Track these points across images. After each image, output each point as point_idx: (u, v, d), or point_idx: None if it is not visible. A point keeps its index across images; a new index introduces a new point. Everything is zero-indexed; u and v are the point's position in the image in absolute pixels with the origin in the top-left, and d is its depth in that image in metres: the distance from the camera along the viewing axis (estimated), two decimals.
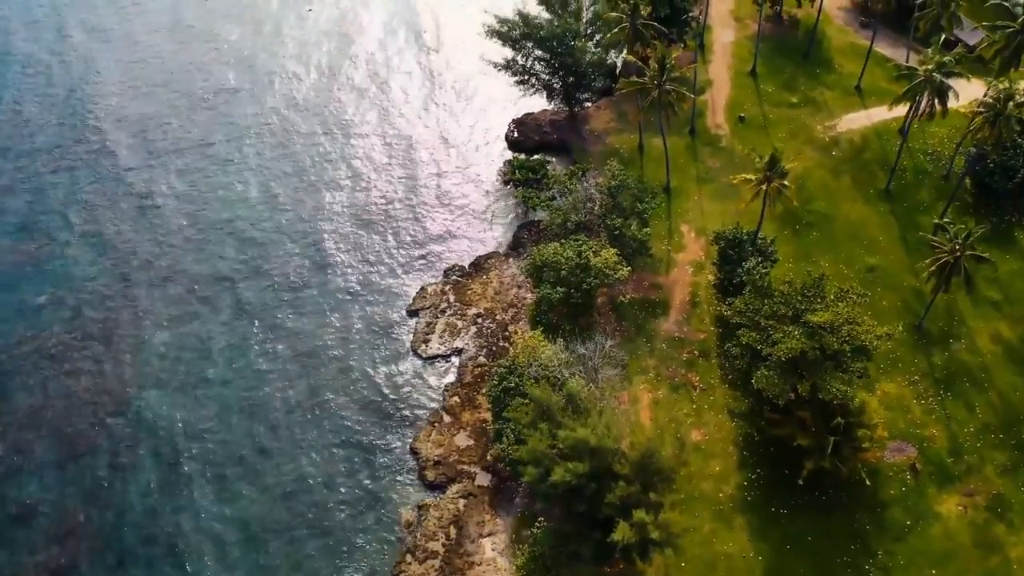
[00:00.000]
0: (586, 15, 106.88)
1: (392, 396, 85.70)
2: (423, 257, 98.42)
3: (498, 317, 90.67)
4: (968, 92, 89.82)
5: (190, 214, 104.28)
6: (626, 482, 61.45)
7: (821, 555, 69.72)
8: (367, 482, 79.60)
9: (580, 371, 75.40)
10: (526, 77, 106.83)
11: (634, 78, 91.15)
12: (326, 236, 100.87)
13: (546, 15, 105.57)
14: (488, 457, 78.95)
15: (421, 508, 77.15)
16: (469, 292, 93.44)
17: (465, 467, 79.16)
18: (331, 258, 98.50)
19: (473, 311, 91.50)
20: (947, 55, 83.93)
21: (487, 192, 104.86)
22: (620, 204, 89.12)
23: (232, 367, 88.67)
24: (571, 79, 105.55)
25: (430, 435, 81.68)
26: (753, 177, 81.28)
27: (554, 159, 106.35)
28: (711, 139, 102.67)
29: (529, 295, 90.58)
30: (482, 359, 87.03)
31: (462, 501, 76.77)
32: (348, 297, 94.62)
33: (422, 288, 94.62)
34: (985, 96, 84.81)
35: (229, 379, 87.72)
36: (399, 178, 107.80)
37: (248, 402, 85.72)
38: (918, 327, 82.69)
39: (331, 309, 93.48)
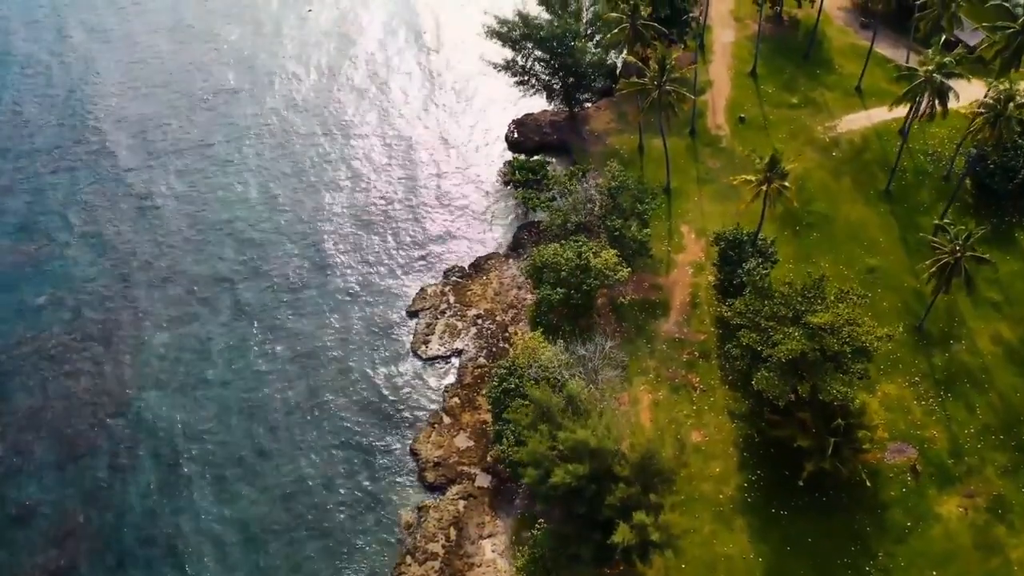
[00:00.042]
0: (586, 15, 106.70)
1: (392, 397, 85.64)
2: (423, 258, 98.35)
3: (498, 318, 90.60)
4: (968, 93, 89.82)
5: (190, 215, 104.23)
6: (626, 484, 61.37)
7: (821, 556, 69.69)
8: (367, 483, 79.55)
9: (580, 372, 75.35)
10: (526, 78, 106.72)
11: (634, 79, 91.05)
12: (326, 237, 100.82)
13: (546, 16, 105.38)
14: (488, 458, 78.90)
15: (421, 509, 77.09)
16: (469, 293, 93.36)
17: (465, 468, 79.09)
18: (331, 259, 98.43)
19: (473, 312, 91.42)
20: (947, 56, 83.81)
21: (487, 193, 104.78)
22: (620, 205, 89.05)
23: (232, 368, 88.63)
24: (571, 80, 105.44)
25: (430, 436, 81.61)
26: (753, 178, 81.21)
27: (554, 160, 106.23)
28: (711, 140, 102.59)
29: (529, 296, 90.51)
30: (482, 360, 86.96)
31: (462, 502, 76.70)
32: (348, 298, 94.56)
33: (422, 289, 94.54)
34: (985, 97, 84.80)
35: (229, 380, 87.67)
36: (399, 179, 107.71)
37: (248, 403, 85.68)
38: (918, 328, 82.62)
39: (331, 310, 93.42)
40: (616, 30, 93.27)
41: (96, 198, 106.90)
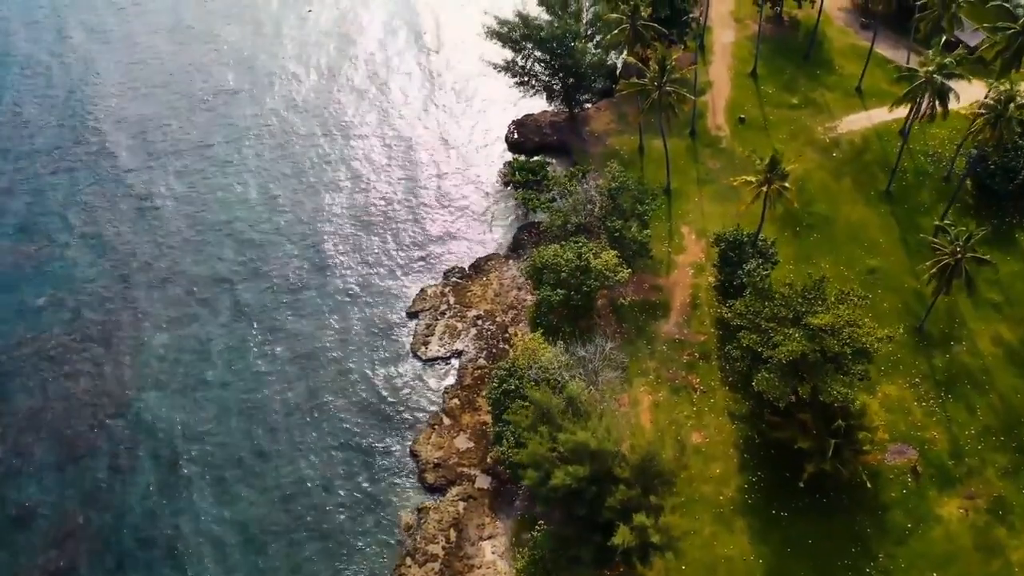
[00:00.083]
0: (586, 16, 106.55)
1: (392, 398, 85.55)
2: (423, 259, 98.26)
3: (498, 319, 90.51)
4: (969, 93, 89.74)
5: (189, 215, 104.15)
6: (626, 486, 61.28)
7: (822, 558, 69.60)
8: (367, 485, 79.46)
9: (580, 373, 75.24)
10: (526, 78, 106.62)
11: (634, 80, 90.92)
12: (325, 238, 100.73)
13: (546, 16, 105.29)
14: (488, 460, 78.81)
15: (421, 511, 76.99)
16: (469, 294, 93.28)
17: (465, 470, 79.00)
18: (331, 260, 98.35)
19: (473, 313, 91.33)
20: (948, 56, 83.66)
21: (487, 194, 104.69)
22: (620, 206, 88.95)
23: (231, 369, 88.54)
24: (571, 80, 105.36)
25: (430, 437, 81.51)
26: (754, 179, 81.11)
27: (554, 160, 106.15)
28: (711, 140, 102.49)
29: (529, 297, 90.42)
30: (482, 361, 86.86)
31: (462, 504, 76.59)
32: (348, 299, 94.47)
33: (422, 290, 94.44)
34: (986, 98, 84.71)
35: (228, 381, 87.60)
36: (398, 179, 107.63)
37: (247, 404, 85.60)
38: (919, 329, 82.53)
39: (331, 311, 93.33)
40: (616, 31, 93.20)
41: (96, 199, 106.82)
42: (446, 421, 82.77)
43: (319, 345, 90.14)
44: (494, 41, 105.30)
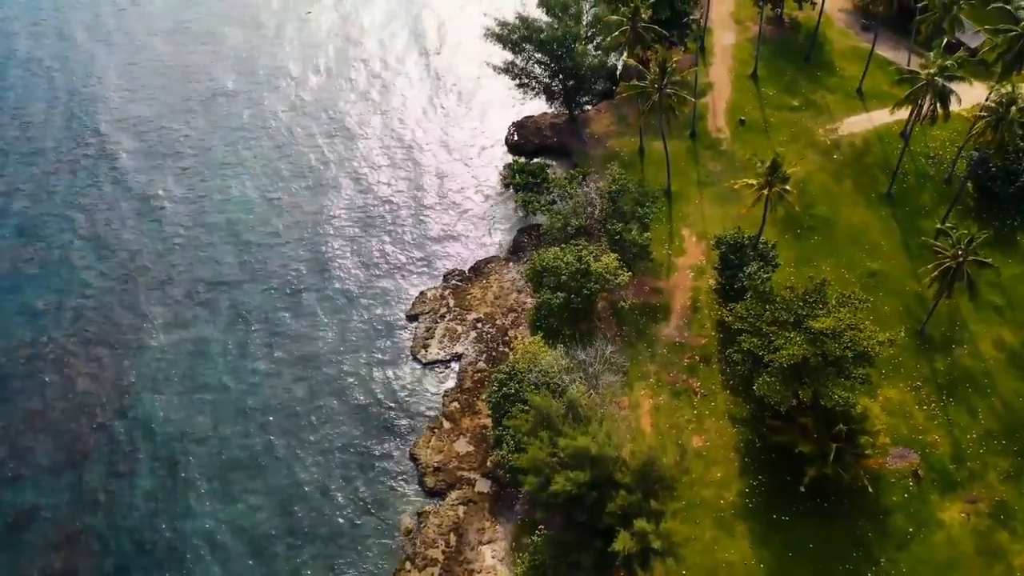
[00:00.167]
0: (586, 18, 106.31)
1: (391, 401, 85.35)
2: (422, 261, 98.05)
3: (498, 322, 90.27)
4: (970, 95, 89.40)
5: (189, 217, 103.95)
6: (627, 491, 61.07)
7: (823, 562, 69.35)
8: (366, 488, 79.25)
9: (580, 377, 75.01)
10: (526, 80, 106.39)
11: (635, 82, 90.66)
12: (325, 240, 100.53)
13: (546, 18, 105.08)
14: (488, 463, 78.56)
15: (421, 515, 76.76)
16: (469, 297, 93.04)
17: (465, 473, 78.76)
18: (330, 262, 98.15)
19: (473, 316, 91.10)
20: (949, 59, 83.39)
21: (487, 196, 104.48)
22: (620, 208, 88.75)
23: (231, 372, 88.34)
24: (571, 82, 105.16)
25: (429, 441, 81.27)
26: (754, 182, 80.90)
27: (554, 162, 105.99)
28: (712, 142, 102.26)
29: (529, 300, 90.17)
30: (482, 364, 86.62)
31: (462, 508, 76.37)
32: (347, 301, 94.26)
33: (422, 293, 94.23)
34: (988, 100, 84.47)
35: (228, 384, 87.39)
36: (398, 181, 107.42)
37: (247, 406, 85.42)
38: (920, 332, 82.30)
39: (330, 313, 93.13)
40: (616, 32, 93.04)
41: (96, 200, 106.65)
42: (446, 424, 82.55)
43: (319, 347, 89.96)
44: (494, 43, 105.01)
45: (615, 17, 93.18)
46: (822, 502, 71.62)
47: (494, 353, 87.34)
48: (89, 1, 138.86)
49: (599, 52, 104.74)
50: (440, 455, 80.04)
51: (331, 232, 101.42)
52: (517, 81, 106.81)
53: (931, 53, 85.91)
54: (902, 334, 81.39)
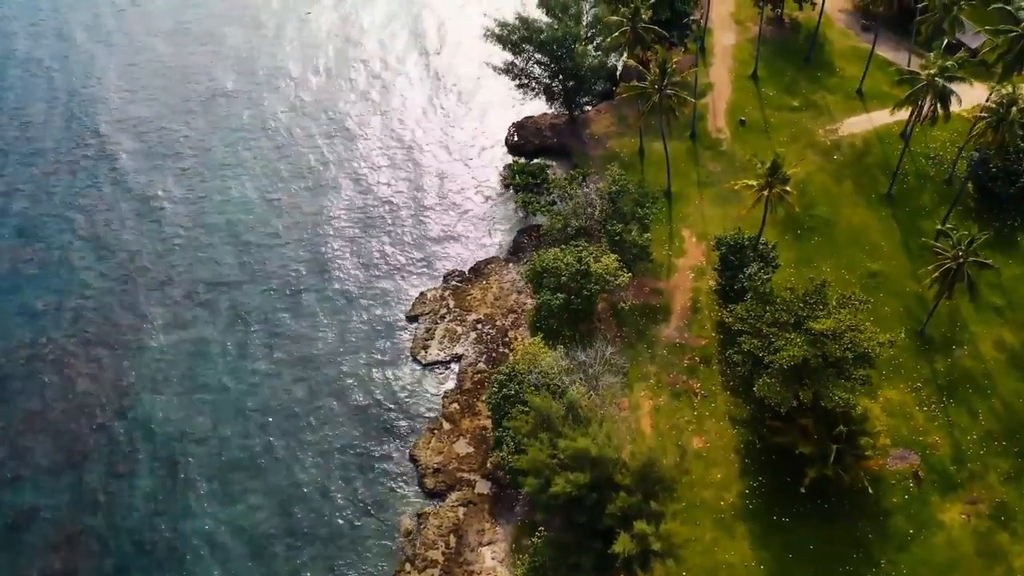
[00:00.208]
0: (586, 19, 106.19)
1: (391, 402, 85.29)
2: (422, 262, 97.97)
3: (498, 323, 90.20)
4: (971, 96, 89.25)
5: (189, 218, 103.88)
6: (627, 492, 61.05)
7: (823, 564, 69.26)
8: (366, 489, 79.19)
9: (580, 378, 74.92)
10: (526, 81, 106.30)
11: (635, 83, 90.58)
12: (325, 240, 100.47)
13: (546, 19, 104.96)
14: (488, 465, 78.49)
15: (420, 516, 76.70)
16: (469, 297, 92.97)
17: (465, 475, 78.69)
18: (330, 263, 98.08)
19: (473, 317, 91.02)
20: (949, 59, 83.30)
21: (487, 197, 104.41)
22: (620, 209, 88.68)
23: (231, 372, 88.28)
24: (571, 83, 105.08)
25: (429, 442, 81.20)
26: (755, 183, 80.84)
27: (554, 163, 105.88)
28: (712, 143, 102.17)
29: (529, 301, 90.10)
30: (482, 365, 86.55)
31: (462, 509, 76.30)
32: (347, 302, 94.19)
33: (422, 293, 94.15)
34: (988, 101, 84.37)
35: (228, 385, 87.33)
36: (398, 182, 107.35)
37: (247, 407, 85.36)
38: (920, 333, 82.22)
39: (330, 314, 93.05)
40: (616, 33, 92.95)
41: (95, 201, 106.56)
42: (446, 426, 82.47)
43: (318, 348, 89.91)
44: (494, 44, 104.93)
45: (615, 18, 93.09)
46: (822, 503, 71.56)
47: (494, 354, 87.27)
48: (89, 1, 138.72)
49: (599, 53, 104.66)
50: (440, 456, 79.97)
51: (331, 233, 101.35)
52: (517, 82, 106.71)
53: (931, 54, 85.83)
54: (902, 335, 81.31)
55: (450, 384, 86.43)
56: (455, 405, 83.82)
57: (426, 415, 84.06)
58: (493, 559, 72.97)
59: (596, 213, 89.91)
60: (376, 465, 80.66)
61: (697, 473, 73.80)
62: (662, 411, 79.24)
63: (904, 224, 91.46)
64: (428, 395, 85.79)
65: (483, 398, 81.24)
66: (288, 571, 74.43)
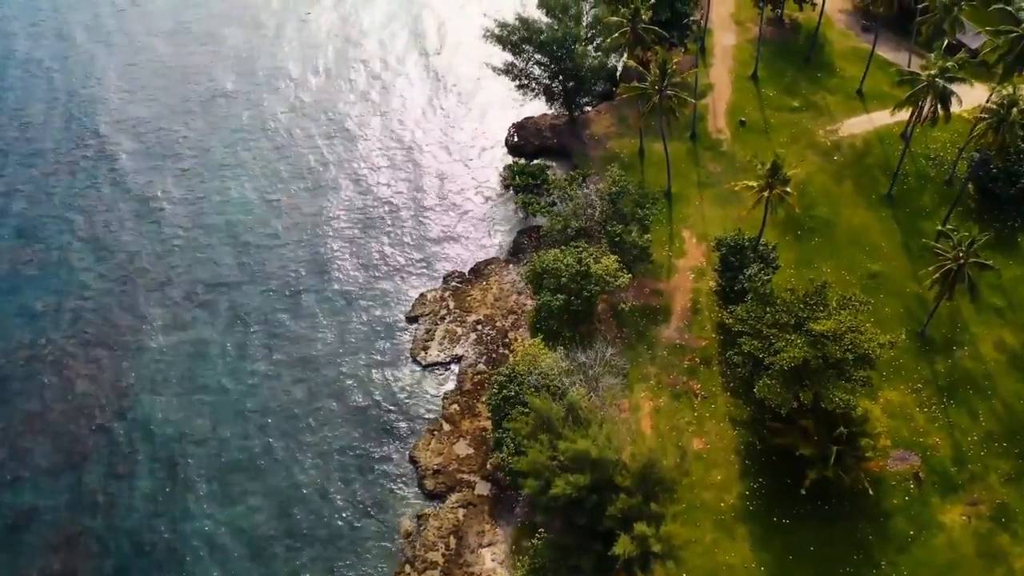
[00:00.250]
0: (586, 19, 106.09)
1: (391, 404, 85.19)
2: (422, 263, 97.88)
3: (498, 324, 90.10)
4: (971, 97, 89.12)
5: (188, 218, 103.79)
6: (627, 494, 60.97)
7: (824, 565, 69.17)
8: (365, 490, 79.11)
9: (580, 379, 74.83)
10: (526, 81, 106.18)
11: (635, 83, 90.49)
12: (325, 241, 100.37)
13: (546, 19, 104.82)
14: (488, 466, 78.41)
15: (420, 518, 76.60)
16: (469, 298, 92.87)
17: (465, 476, 78.60)
18: (330, 264, 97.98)
19: (473, 318, 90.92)
20: (950, 60, 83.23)
21: (487, 198, 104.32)
22: (621, 210, 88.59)
23: (230, 374, 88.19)
24: (571, 83, 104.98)
25: (429, 443, 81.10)
26: (755, 184, 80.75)
27: (554, 164, 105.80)
28: (712, 143, 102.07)
29: (529, 302, 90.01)
30: (482, 366, 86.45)
31: (462, 511, 76.20)
32: (347, 303, 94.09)
33: (421, 294, 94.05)
34: (989, 101, 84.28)
35: (227, 386, 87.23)
36: (398, 183, 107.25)
37: (246, 408, 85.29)
38: (921, 334, 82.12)
39: (329, 315, 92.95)
40: (617, 34, 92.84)
41: (95, 202, 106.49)
42: (446, 427, 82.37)
43: (318, 349, 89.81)
44: (494, 44, 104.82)
45: (615, 18, 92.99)
46: (823, 505, 71.47)
47: (494, 355, 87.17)
48: (88, 1, 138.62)
49: (599, 53, 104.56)
50: (440, 457, 79.87)
51: (330, 233, 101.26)
52: (517, 82, 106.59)
53: (932, 54, 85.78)
54: (903, 336, 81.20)
55: (450, 385, 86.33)
56: (455, 406, 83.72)
57: (426, 416, 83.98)
58: (493, 561, 72.87)
59: (596, 214, 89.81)
60: (376, 466, 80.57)
61: (697, 474, 73.70)
62: (662, 412, 79.15)
63: (904, 225, 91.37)
64: (428, 396, 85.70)
65: (483, 399, 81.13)
66: (287, 572, 74.36)
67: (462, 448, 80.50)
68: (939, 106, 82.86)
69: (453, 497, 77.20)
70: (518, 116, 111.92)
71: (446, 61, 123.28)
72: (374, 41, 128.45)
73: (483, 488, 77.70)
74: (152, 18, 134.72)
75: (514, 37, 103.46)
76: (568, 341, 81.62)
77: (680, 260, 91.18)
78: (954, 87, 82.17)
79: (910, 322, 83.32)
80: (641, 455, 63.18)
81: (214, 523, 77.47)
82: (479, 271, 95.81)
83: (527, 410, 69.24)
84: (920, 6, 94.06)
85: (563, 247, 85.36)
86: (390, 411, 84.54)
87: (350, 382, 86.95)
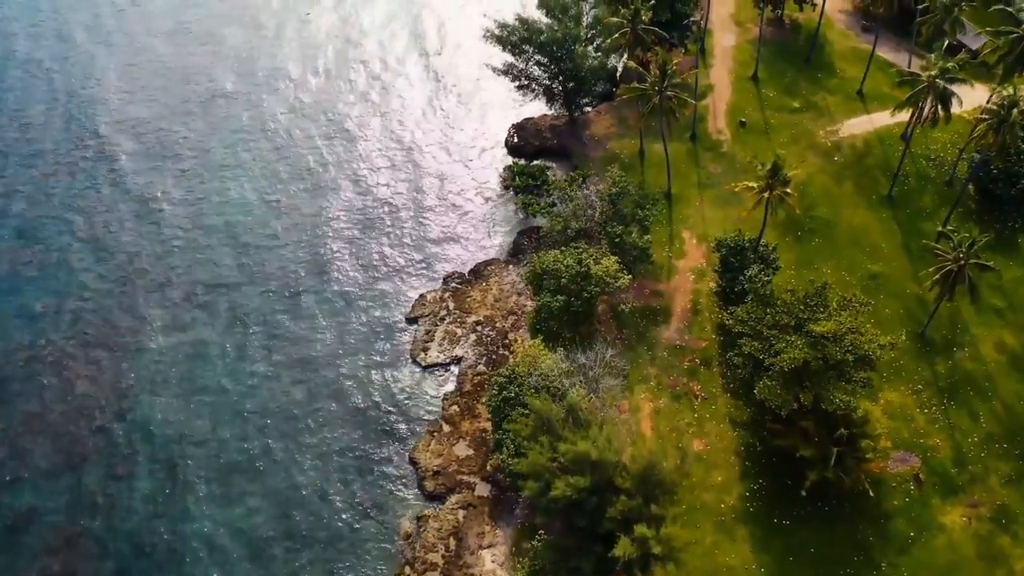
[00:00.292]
0: (586, 20, 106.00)
1: (390, 405, 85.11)
2: (422, 263, 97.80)
3: (498, 325, 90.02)
4: (972, 97, 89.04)
5: (188, 219, 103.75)
6: (627, 496, 60.87)
7: (824, 567, 69.10)
8: (365, 492, 79.03)
9: (581, 381, 74.74)
10: (526, 82, 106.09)
11: (635, 84, 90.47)
12: (324, 242, 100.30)
13: (546, 20, 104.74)
14: (488, 467, 78.33)
15: (420, 519, 76.52)
16: (469, 299, 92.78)
17: (465, 477, 78.51)
18: (329, 264, 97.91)
19: (473, 319, 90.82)
20: (950, 60, 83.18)
21: (487, 198, 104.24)
22: (621, 211, 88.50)
23: (230, 375, 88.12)
24: (571, 84, 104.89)
25: (429, 445, 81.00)
26: (755, 185, 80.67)
27: (554, 164, 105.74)
28: (712, 144, 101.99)
29: (529, 302, 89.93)
30: (482, 367, 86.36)
31: (461, 512, 76.12)
32: (346, 304, 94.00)
33: (421, 295, 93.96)
34: (989, 102, 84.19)
35: (227, 387, 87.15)
36: (398, 183, 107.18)
37: (246, 409, 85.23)
38: (921, 335, 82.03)
39: (329, 316, 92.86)
40: (617, 34, 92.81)
41: (95, 203, 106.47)
42: (445, 428, 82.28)
43: (317, 350, 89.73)
44: (494, 45, 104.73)
45: (615, 19, 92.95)
46: (823, 506, 71.39)
47: (494, 356, 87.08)
48: (88, 2, 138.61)
49: (599, 54, 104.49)
50: (440, 459, 79.78)
51: (330, 234, 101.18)
52: (517, 83, 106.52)
53: (932, 55, 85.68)
54: (903, 337, 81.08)
55: (450, 386, 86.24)
56: (455, 407, 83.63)
57: (426, 417, 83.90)
58: (493, 562, 72.79)
59: (596, 215, 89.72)
60: (375, 467, 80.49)
61: (697, 476, 73.63)
62: (662, 413, 79.07)
63: (905, 226, 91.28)
64: (428, 397, 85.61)
65: (483, 400, 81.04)
66: (287, 574, 74.32)
67: (462, 449, 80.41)
68: (939, 107, 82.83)
69: (453, 498, 77.13)
70: (518, 117, 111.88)
71: (446, 62, 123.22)
72: (374, 42, 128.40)
73: (483, 489, 77.62)
74: (152, 18, 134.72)
75: (514, 38, 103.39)
76: (568, 342, 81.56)
77: (680, 261, 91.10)
78: (954, 88, 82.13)
79: (910, 323, 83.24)
80: (641, 457, 63.08)
81: (213, 524, 77.40)
82: (479, 272, 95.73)
83: (527, 411, 69.13)
84: (920, 7, 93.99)
85: (563, 248, 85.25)
86: (390, 412, 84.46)
87: (350, 383, 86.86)
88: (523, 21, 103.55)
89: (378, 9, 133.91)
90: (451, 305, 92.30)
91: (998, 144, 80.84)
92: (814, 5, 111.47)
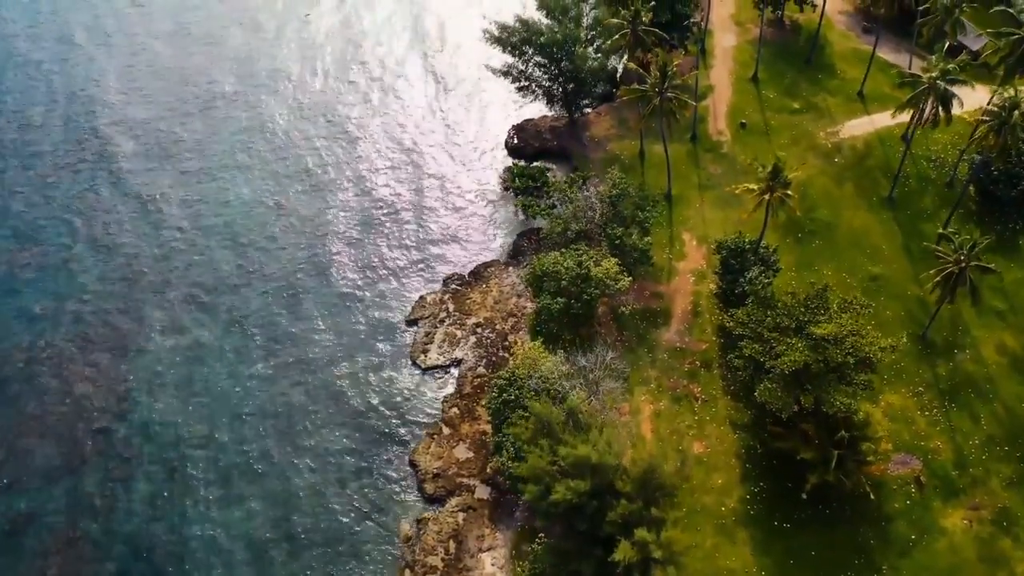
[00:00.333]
0: (586, 21, 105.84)
1: (390, 407, 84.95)
2: (422, 265, 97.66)
3: (498, 327, 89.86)
4: (972, 99, 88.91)
5: (188, 221, 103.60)
6: (628, 499, 60.69)
7: (825, 570, 68.92)
8: (365, 494, 78.85)
9: (581, 383, 74.56)
10: (526, 83, 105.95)
11: (635, 85, 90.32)
12: (324, 244, 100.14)
13: (546, 21, 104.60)
14: (488, 470, 78.16)
15: (420, 521, 76.36)
16: (468, 301, 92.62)
17: (464, 480, 78.35)
18: (330, 266, 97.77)
19: (472, 321, 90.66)
20: (951, 62, 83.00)
21: (487, 200, 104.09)
22: (621, 212, 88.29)
23: (229, 376, 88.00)
24: (571, 85, 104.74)
25: (429, 447, 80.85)
26: (756, 186, 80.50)
27: (554, 166, 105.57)
28: (713, 145, 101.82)
29: (529, 304, 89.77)
30: (481, 370, 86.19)
31: (461, 515, 75.97)
32: (346, 306, 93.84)
33: (421, 297, 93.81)
34: (990, 104, 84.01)
35: (226, 388, 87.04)
36: (398, 185, 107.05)
37: (245, 412, 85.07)
38: (922, 337, 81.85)
39: (329, 318, 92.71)
40: (617, 35, 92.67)
41: (95, 203, 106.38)
42: (445, 430, 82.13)
43: (317, 352, 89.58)
44: (494, 46, 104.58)
45: (615, 20, 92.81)
46: (824, 509, 71.19)
47: (494, 358, 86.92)
48: (88, 3, 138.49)
49: (599, 55, 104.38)
50: (439, 461, 79.63)
51: (329, 236, 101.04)
52: (517, 84, 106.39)
53: (933, 56, 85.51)
54: (904, 339, 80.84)
55: (450, 388, 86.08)
56: (455, 410, 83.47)
57: (425, 420, 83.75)
58: (493, 565, 72.64)
59: (596, 216, 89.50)
60: (375, 470, 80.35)
61: (698, 478, 73.48)
62: (663, 416, 78.90)
63: (905, 227, 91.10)
64: (427, 399, 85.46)
65: (483, 403, 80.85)
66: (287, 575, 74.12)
67: (462, 452, 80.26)
68: (940, 108, 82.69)
69: (453, 501, 76.99)
70: (518, 118, 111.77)
71: (446, 63, 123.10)
72: (374, 43, 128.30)
73: (483, 492, 77.47)
74: (152, 20, 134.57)
75: (514, 39, 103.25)
76: (568, 344, 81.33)
77: (680, 263, 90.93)
78: (955, 89, 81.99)
79: (911, 325, 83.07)
80: (642, 460, 62.91)
81: (213, 527, 77.25)
82: (479, 274, 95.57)
83: (527, 414, 68.94)
84: (921, 8, 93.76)
85: (563, 250, 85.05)
86: (389, 414, 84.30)
87: (349, 385, 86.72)
88: (523, 22, 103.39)
89: (378, 10, 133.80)
90: (451, 307, 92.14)
91: (999, 146, 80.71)
92: (814, 6, 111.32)
